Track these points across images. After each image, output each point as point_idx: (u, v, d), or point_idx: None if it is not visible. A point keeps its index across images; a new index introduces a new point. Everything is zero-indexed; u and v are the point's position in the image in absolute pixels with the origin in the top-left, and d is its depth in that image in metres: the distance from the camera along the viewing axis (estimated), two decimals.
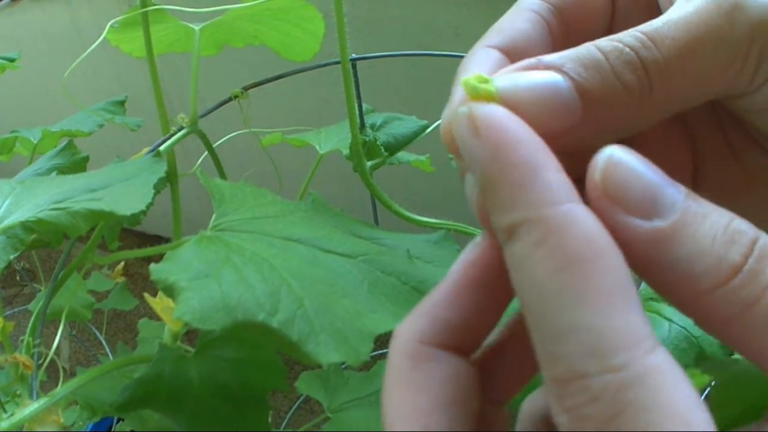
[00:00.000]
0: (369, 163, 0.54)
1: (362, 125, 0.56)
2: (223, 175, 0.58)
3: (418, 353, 0.18)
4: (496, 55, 0.22)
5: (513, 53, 0.22)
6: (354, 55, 0.54)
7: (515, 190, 0.16)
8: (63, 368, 0.53)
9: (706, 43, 0.19)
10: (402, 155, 0.60)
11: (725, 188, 0.24)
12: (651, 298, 0.40)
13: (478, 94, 0.18)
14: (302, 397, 1.16)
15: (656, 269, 0.16)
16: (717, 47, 0.19)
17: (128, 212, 0.39)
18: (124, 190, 0.43)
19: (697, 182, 0.24)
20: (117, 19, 0.54)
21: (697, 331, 0.38)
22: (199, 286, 0.35)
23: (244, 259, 0.38)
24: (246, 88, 0.54)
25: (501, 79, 0.18)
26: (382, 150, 0.53)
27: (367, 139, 0.52)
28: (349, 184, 1.00)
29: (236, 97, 0.53)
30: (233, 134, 0.58)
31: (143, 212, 0.40)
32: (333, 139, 0.64)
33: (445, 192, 1.16)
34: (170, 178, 0.57)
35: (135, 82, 1.45)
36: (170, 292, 0.33)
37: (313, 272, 0.38)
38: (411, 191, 1.23)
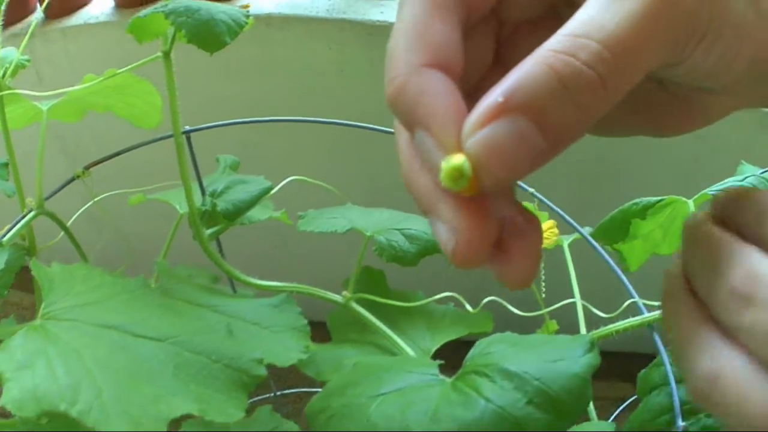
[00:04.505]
0: (210, 230, 0.56)
1: (203, 192, 0.59)
2: (81, 252, 0.60)
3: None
4: (441, 82, 0.21)
5: (448, 67, 0.22)
6: (187, 127, 0.56)
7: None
8: None
9: (656, 37, 0.20)
10: (254, 214, 0.62)
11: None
12: (474, 372, 0.41)
13: (458, 176, 0.20)
14: None
15: None
16: (664, 37, 0.20)
17: None
18: None
19: None
20: None
21: (517, 411, 0.37)
22: (18, 376, 0.39)
23: (57, 350, 0.41)
24: (87, 167, 0.56)
25: (472, 150, 0.19)
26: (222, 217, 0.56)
27: (205, 208, 0.55)
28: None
29: (78, 176, 0.55)
30: (81, 210, 0.60)
31: None
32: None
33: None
34: (29, 251, 0.60)
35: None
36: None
37: (119, 360, 0.42)
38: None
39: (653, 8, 0.19)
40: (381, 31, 1.05)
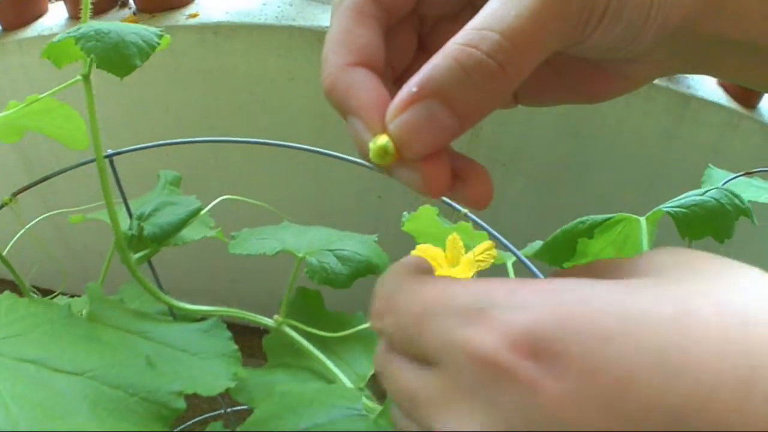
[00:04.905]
0: (138, 255, 0.56)
1: (130, 216, 0.58)
2: (15, 275, 0.59)
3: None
4: (366, 76, 0.25)
5: (370, 64, 0.25)
6: (110, 151, 0.56)
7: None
8: None
9: (550, 26, 0.22)
10: (187, 233, 0.62)
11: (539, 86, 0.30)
12: None
13: (383, 153, 0.23)
14: None
15: None
16: (558, 25, 0.23)
17: None
18: None
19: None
20: None
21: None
22: None
23: None
24: (15, 194, 0.55)
25: (393, 131, 0.23)
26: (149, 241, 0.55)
27: (132, 233, 0.54)
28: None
29: (6, 204, 0.54)
30: (15, 239, 0.59)
31: None
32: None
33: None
34: None
35: None
36: None
37: (36, 395, 0.41)
38: None
39: (546, 0, 0.22)
40: None
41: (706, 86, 1.08)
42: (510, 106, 0.32)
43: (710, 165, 0.74)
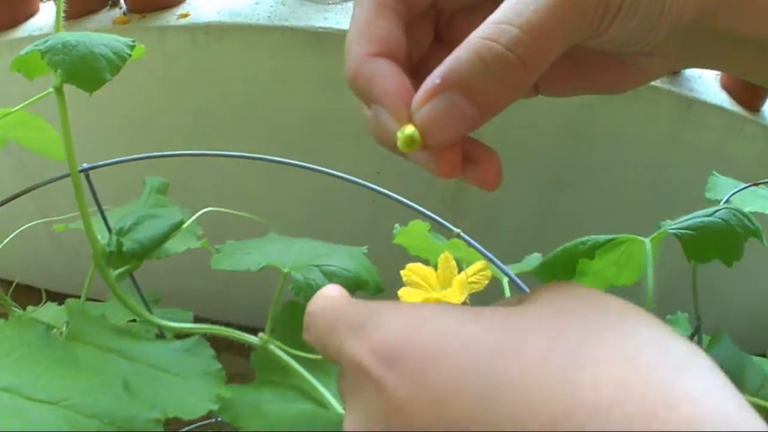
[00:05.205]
0: (118, 271, 0.54)
1: (108, 229, 0.56)
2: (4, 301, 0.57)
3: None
4: (388, 66, 0.26)
5: (392, 55, 0.27)
6: (85, 165, 0.53)
7: None
8: None
9: (567, 20, 0.23)
10: (171, 246, 0.60)
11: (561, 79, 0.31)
12: None
13: (410, 142, 0.25)
14: None
15: None
16: (576, 20, 0.23)
17: None
18: None
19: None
20: None
21: None
22: None
23: None
24: (3, 203, 0.53)
25: (419, 121, 0.24)
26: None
27: (110, 249, 0.52)
28: None
29: None
30: (5, 243, 0.58)
31: None
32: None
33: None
34: None
35: None
36: None
37: (11, 425, 0.40)
38: None
39: None
40: (325, 38, 1.02)
41: (710, 89, 1.06)
42: (530, 96, 0.33)
43: (714, 172, 0.72)
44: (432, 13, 0.31)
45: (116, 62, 0.42)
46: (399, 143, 0.25)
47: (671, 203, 1.20)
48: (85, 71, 0.41)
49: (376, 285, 0.56)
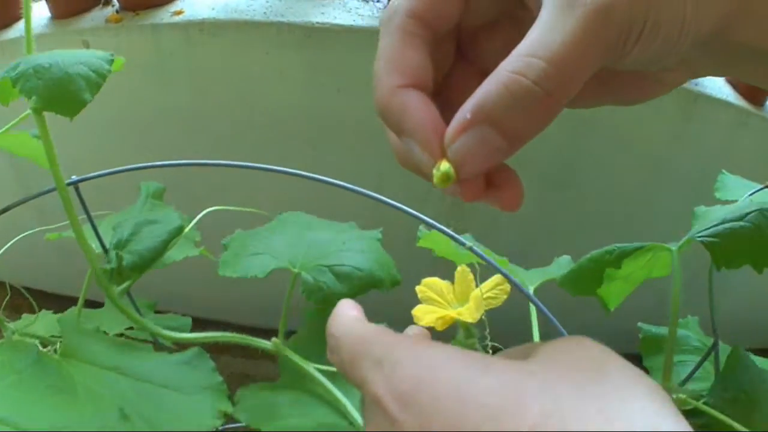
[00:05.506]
0: (120, 287, 0.52)
1: (101, 242, 0.54)
2: None
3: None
4: (418, 98, 0.27)
5: (420, 85, 0.27)
6: (74, 177, 0.51)
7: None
8: None
9: (592, 49, 0.24)
10: (173, 253, 0.58)
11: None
12: None
13: (446, 178, 0.26)
14: None
15: None
16: (600, 48, 0.24)
17: None
18: None
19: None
20: None
21: None
22: None
23: None
24: (2, 212, 0.51)
25: (453, 156, 0.25)
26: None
27: (111, 266, 0.50)
28: None
29: None
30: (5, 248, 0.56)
31: None
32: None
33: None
34: None
35: None
36: None
37: None
38: None
39: (588, 26, 0.23)
40: (321, 33, 0.99)
41: (714, 84, 1.04)
42: None
43: (724, 171, 0.70)
44: (454, 33, 0.31)
45: (95, 80, 0.40)
46: (435, 180, 0.26)
47: (676, 198, 1.19)
48: (62, 95, 0.38)
49: (392, 279, 0.54)
